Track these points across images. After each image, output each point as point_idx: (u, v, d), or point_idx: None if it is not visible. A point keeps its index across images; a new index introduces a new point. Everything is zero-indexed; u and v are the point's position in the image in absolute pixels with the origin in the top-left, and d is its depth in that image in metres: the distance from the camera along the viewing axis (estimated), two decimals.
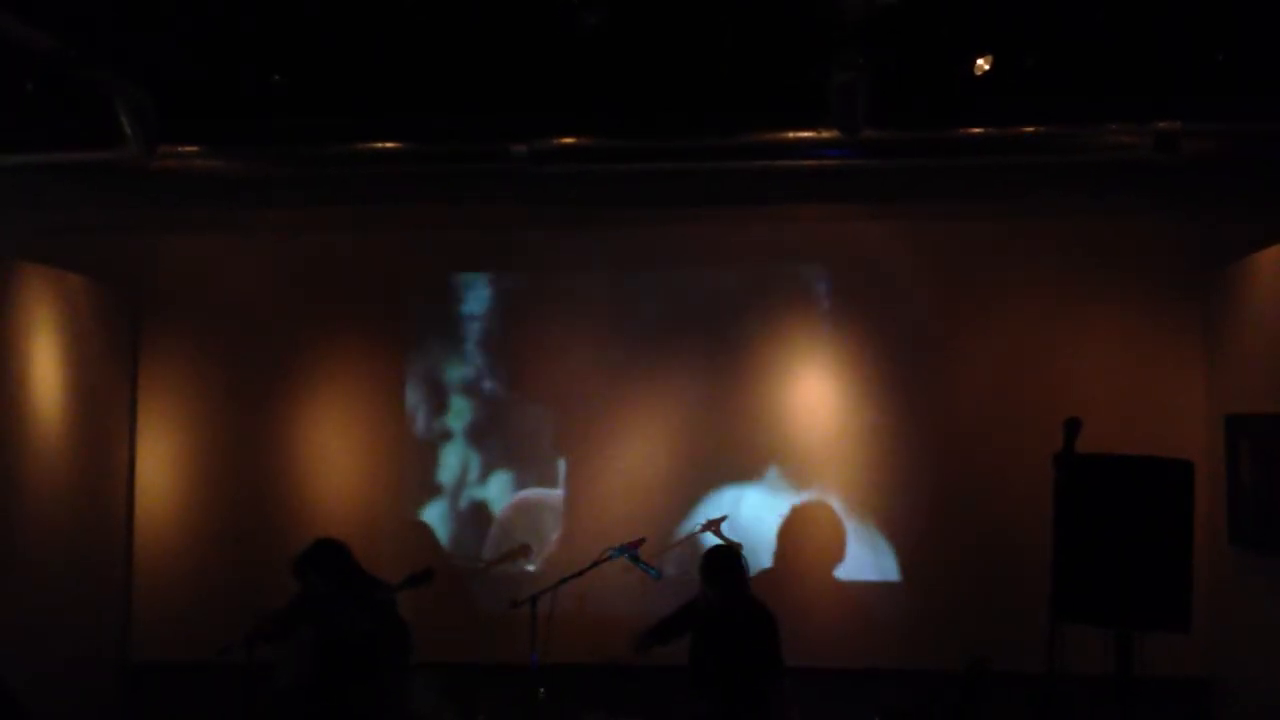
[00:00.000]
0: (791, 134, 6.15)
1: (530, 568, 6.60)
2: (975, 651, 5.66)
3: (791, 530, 6.83)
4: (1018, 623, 6.12)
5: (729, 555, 5.54)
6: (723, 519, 5.87)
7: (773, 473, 6.87)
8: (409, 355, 7.16)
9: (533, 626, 5.40)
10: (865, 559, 6.81)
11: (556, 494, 7.00)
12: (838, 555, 6.82)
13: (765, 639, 5.43)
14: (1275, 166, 6.24)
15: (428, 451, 7.11)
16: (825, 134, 6.06)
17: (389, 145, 6.33)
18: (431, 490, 7.09)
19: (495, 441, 7.08)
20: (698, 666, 5.55)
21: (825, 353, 6.91)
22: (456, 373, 7.13)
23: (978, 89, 5.78)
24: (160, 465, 7.19)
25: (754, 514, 6.81)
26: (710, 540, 5.80)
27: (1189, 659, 6.14)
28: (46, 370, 6.40)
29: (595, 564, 5.69)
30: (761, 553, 6.73)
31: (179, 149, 6.38)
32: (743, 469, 6.89)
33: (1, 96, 6.10)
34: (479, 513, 7.04)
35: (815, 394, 6.90)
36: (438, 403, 7.14)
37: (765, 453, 6.88)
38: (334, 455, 7.11)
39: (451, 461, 7.10)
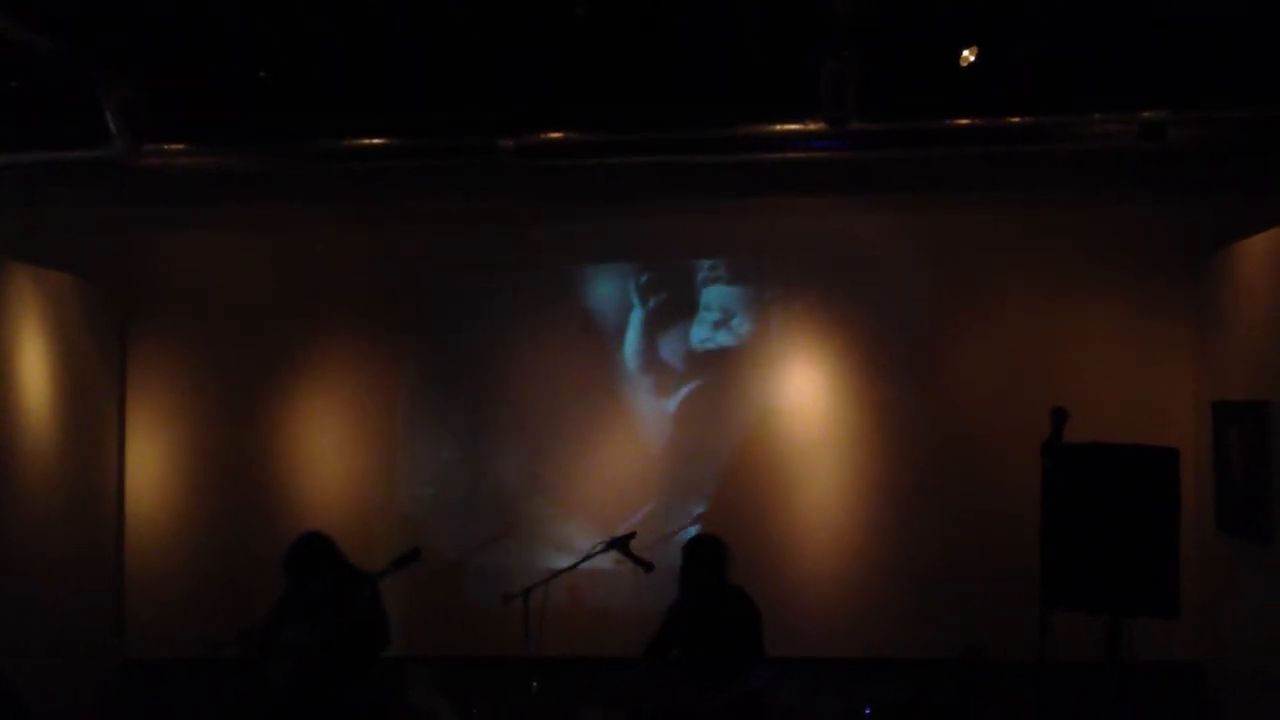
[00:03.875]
0: (780, 127, 6.14)
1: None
2: (969, 641, 5.67)
3: (784, 520, 6.84)
4: (1011, 611, 6.15)
5: (710, 544, 5.54)
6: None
7: (767, 465, 6.88)
8: (397, 350, 7.15)
9: (526, 620, 5.41)
10: (858, 549, 6.82)
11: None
12: (830, 545, 6.83)
13: (747, 627, 5.42)
14: (1262, 154, 6.26)
15: (418, 446, 7.10)
16: (814, 126, 6.05)
17: (375, 141, 6.30)
18: (422, 485, 7.08)
19: (485, 436, 7.07)
20: (684, 657, 5.56)
21: (816, 345, 6.92)
22: (445, 366, 7.12)
23: (966, 80, 5.79)
24: (150, 462, 7.19)
25: (747, 507, 6.82)
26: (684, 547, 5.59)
27: (1180, 645, 6.16)
28: (35, 369, 6.38)
29: (587, 557, 5.69)
30: (750, 546, 6.74)
31: (165, 147, 6.36)
32: (736, 461, 6.90)
33: None
34: (469, 507, 7.03)
35: (806, 386, 6.91)
36: (426, 397, 7.13)
37: (759, 444, 6.89)
38: (323, 451, 7.11)
39: (442, 456, 7.10)
